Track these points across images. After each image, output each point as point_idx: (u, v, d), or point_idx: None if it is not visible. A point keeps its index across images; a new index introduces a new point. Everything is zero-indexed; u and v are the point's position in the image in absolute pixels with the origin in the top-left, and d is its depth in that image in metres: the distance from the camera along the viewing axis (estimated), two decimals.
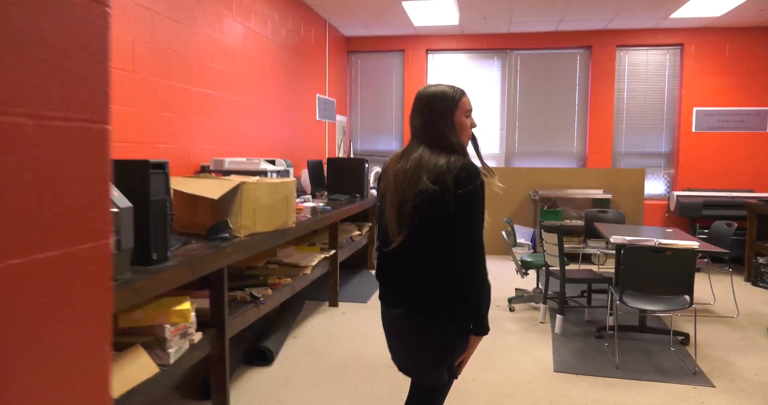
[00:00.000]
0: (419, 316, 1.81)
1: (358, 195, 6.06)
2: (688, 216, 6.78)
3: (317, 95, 6.64)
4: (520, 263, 4.96)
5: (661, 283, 3.58)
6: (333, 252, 4.86)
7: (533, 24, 7.12)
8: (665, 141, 7.40)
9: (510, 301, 5.01)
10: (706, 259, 5.22)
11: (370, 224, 6.42)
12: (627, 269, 3.59)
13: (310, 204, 4.95)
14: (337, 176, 6.14)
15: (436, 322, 1.80)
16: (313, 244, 5.12)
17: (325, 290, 5.07)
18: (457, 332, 1.81)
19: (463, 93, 1.89)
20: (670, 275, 3.55)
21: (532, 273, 5.58)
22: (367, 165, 6.23)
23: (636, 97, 7.40)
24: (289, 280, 3.87)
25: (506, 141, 7.71)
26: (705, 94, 7.16)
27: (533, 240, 7.25)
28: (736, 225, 4.83)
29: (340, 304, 5.06)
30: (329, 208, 4.74)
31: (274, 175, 3.78)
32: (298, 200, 5.04)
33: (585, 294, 4.80)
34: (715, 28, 7.07)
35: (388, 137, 8.00)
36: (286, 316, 4.35)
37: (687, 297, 3.58)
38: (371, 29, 7.53)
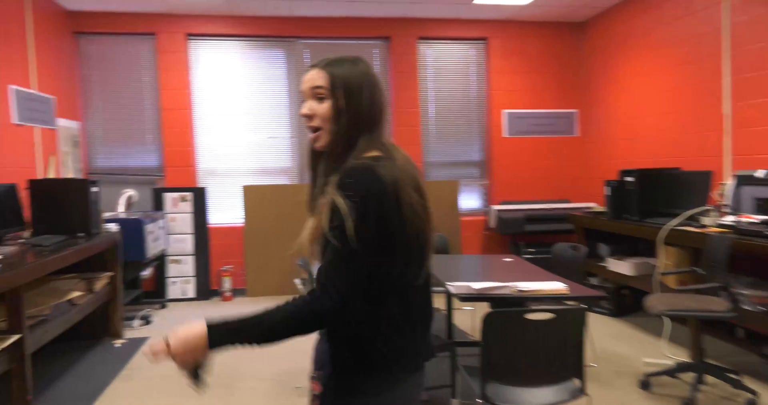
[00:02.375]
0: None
1: (82, 234, 4.05)
2: (510, 232, 5.90)
3: (12, 88, 4.45)
4: None
5: (536, 365, 2.30)
6: (13, 339, 2.85)
7: (320, 7, 5.74)
8: (477, 148, 6.51)
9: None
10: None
11: (109, 274, 4.41)
12: (491, 348, 2.25)
13: None
14: (46, 208, 4.06)
15: None
16: None
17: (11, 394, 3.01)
18: None
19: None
20: (547, 351, 2.29)
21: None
22: (95, 188, 4.24)
23: (443, 99, 6.40)
24: None
25: (298, 151, 6.20)
26: (514, 94, 6.41)
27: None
28: (586, 249, 3.87)
29: None
30: None
31: None
32: None
33: None
34: (522, 22, 6.37)
35: (143, 150, 5.98)
36: None
37: (577, 381, 2.35)
38: (107, 2, 5.51)
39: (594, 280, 5.14)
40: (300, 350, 4.19)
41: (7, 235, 3.81)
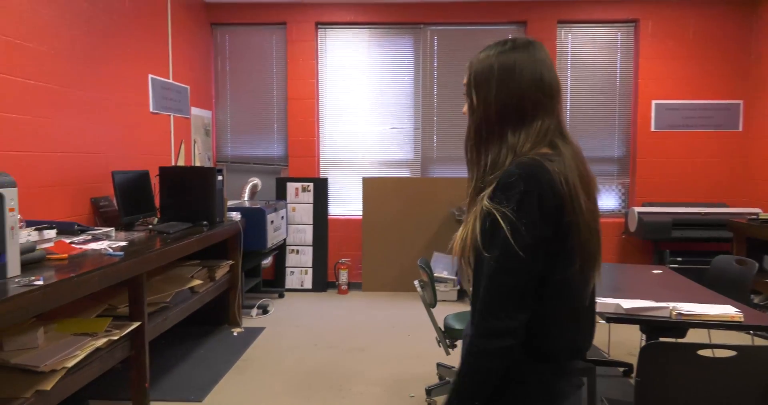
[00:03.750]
0: None
1: (205, 222, 4.08)
2: (653, 238, 5.25)
3: (150, 77, 4.58)
4: (443, 330, 3.16)
5: None
6: (134, 326, 2.86)
7: None
8: (618, 143, 5.88)
9: (429, 392, 3.20)
10: None
11: (230, 262, 4.44)
12: (649, 384, 1.84)
13: (96, 245, 2.93)
14: (175, 195, 4.13)
15: None
16: (114, 307, 3.11)
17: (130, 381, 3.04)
18: None
19: None
20: (725, 398, 1.83)
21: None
22: (220, 176, 4.26)
23: (582, 88, 5.83)
24: None
25: (422, 144, 5.94)
26: (666, 83, 5.69)
27: (459, 272, 5.51)
28: (755, 264, 3.25)
29: None
30: (120, 253, 2.74)
31: None
32: (75, 239, 3.00)
33: None
34: (679, 1, 5.63)
35: (269, 139, 6.04)
36: None
37: None
38: None
39: (756, 299, 4.41)
40: (413, 355, 3.95)
41: (138, 221, 3.91)
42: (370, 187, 5.77)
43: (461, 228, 1.22)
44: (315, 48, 5.89)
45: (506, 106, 1.20)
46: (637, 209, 5.38)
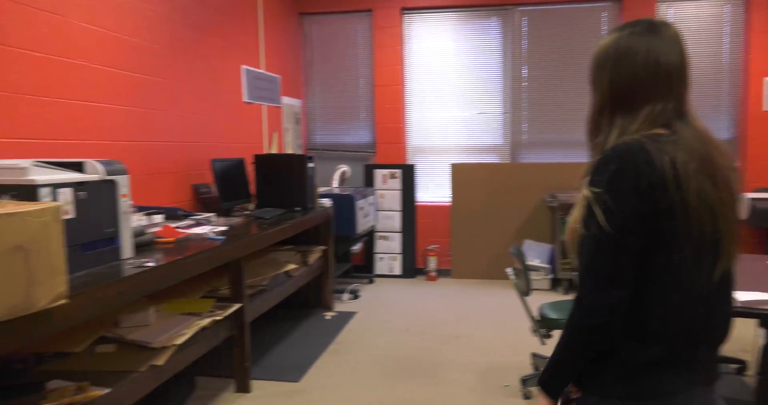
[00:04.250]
0: None
1: (298, 208, 4.18)
2: (766, 227, 4.86)
3: (243, 68, 4.73)
4: (538, 319, 3.08)
5: None
6: (235, 307, 2.98)
7: None
8: (726, 124, 5.47)
9: (524, 381, 3.13)
10: None
11: (322, 248, 4.53)
12: None
13: (199, 230, 3.07)
14: (269, 182, 4.26)
15: None
16: (216, 289, 3.26)
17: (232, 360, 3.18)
18: None
19: None
20: None
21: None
22: (311, 164, 4.34)
23: None
24: (97, 393, 1.99)
25: (511, 129, 5.79)
26: None
27: (552, 261, 5.36)
28: None
29: (254, 386, 3.18)
30: (222, 238, 2.86)
31: (54, 193, 1.91)
32: (180, 224, 3.16)
33: None
34: None
35: (357, 126, 6.09)
36: None
37: None
38: None
39: None
40: (506, 344, 3.88)
41: (236, 207, 4.06)
42: (459, 173, 5.70)
43: (572, 212, 1.22)
44: (401, 34, 5.86)
45: (618, 91, 1.22)
46: (749, 195, 4.99)
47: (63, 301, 1.65)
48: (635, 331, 1.14)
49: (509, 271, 3.22)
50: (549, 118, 5.70)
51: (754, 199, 4.92)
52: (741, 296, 2.25)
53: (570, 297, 4.42)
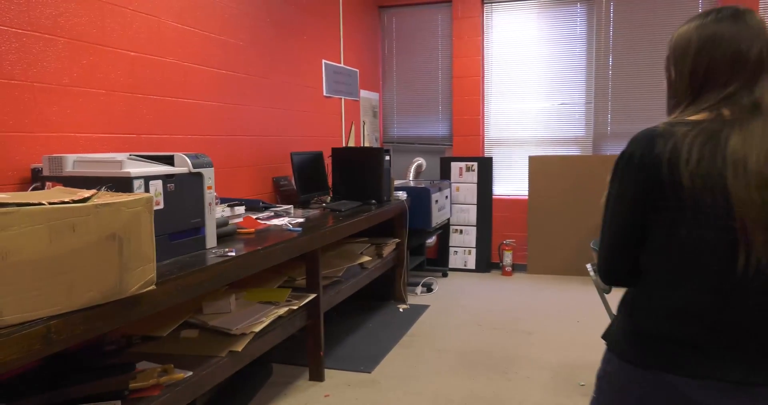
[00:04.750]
0: None
1: (374, 200, 4.23)
2: None
3: (324, 62, 4.82)
4: None
5: None
6: (311, 297, 3.07)
7: None
8: None
9: None
10: None
11: (396, 240, 4.57)
12: None
13: (278, 221, 3.18)
14: (345, 174, 4.34)
15: None
16: (293, 279, 3.37)
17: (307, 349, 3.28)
18: None
19: None
20: None
21: None
22: (388, 157, 4.38)
23: None
24: (180, 376, 2.12)
25: (594, 120, 5.59)
26: None
27: None
28: None
29: (327, 374, 3.27)
30: (299, 229, 2.94)
31: (146, 185, 2.03)
32: (260, 215, 3.28)
33: None
34: None
35: (433, 119, 6.08)
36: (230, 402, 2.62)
37: None
38: None
39: None
40: (582, 341, 3.77)
41: (313, 199, 4.17)
42: (537, 165, 5.57)
43: None
44: (481, 24, 5.77)
45: (695, 78, 1.21)
46: None
47: (152, 288, 1.76)
48: (643, 305, 1.25)
49: (589, 266, 3.12)
50: (635, 108, 5.44)
51: None
52: None
53: None
